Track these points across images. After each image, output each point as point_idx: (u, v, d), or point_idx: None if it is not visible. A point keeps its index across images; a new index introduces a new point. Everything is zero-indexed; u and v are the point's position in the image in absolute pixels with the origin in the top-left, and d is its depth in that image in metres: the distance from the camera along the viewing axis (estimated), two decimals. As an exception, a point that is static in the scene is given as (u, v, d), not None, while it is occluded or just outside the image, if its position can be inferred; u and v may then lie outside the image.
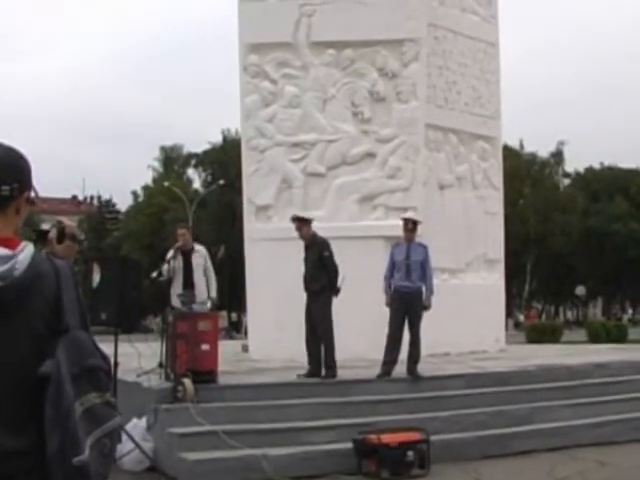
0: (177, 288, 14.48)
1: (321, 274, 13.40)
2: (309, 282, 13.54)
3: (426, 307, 13.93)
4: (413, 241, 14.15)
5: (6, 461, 2.58)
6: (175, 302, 14.17)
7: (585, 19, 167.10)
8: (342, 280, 13.42)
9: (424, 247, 14.17)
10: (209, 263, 15.03)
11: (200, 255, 14.91)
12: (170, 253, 14.79)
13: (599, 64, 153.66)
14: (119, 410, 2.88)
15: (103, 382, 2.77)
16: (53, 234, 4.27)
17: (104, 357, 2.83)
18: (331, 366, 13.20)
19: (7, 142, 2.85)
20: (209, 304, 14.65)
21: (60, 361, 2.63)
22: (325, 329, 13.32)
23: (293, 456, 10.72)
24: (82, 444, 2.58)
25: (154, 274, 14.53)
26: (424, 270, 13.94)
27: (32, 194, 2.92)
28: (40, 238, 4.11)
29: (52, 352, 2.64)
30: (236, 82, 19.84)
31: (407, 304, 13.80)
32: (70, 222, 4.39)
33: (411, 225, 14.12)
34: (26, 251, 2.69)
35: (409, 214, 14.98)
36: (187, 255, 14.77)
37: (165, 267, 14.57)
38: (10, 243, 2.70)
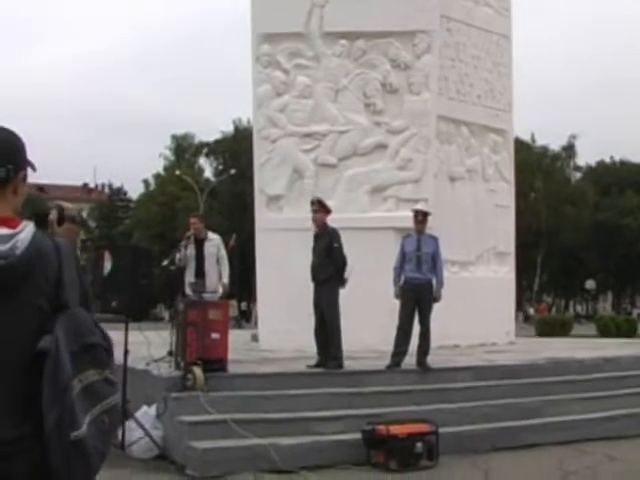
0: (189, 276, 14.50)
1: (328, 264, 13.39)
2: (316, 272, 13.54)
3: (436, 299, 13.92)
4: (424, 233, 14.13)
5: (8, 446, 2.59)
6: (188, 290, 14.20)
7: (599, 11, 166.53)
8: (350, 271, 13.41)
9: (435, 239, 14.15)
10: (223, 252, 14.98)
11: (213, 244, 14.86)
12: (183, 241, 14.80)
13: (613, 57, 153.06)
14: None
15: (102, 359, 2.77)
16: (53, 216, 4.28)
17: (104, 335, 2.84)
18: (336, 356, 13.17)
19: (16, 128, 2.86)
20: (220, 290, 14.66)
21: (58, 337, 2.64)
22: (331, 319, 13.31)
23: (302, 446, 10.74)
24: (80, 420, 2.59)
25: (165, 262, 14.53)
26: (435, 262, 13.93)
27: (29, 172, 2.92)
28: (40, 221, 4.12)
29: (51, 328, 2.66)
30: (248, 72, 19.85)
31: (417, 296, 13.79)
32: (70, 205, 4.40)
33: (421, 217, 14.11)
34: (27, 230, 2.70)
35: (419, 206, 14.96)
36: (200, 244, 14.76)
37: (177, 255, 14.57)
38: (11, 223, 2.71)
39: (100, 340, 2.80)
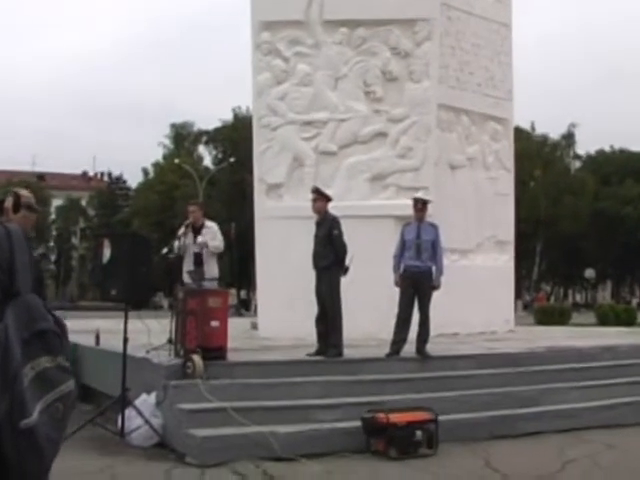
0: (188, 265, 14.48)
1: (328, 251, 13.39)
2: (317, 259, 13.54)
3: (435, 287, 13.92)
4: (424, 221, 14.12)
5: None
6: (186, 278, 14.18)
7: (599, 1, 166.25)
8: (351, 259, 13.41)
9: (435, 227, 14.14)
10: (219, 235, 14.93)
11: (210, 231, 14.84)
12: (181, 230, 14.77)
13: (612, 46, 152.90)
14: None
15: (55, 345, 2.74)
16: (9, 204, 4.24)
17: (57, 321, 2.80)
18: (336, 344, 13.17)
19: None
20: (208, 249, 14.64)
21: (8, 325, 2.60)
22: (332, 306, 13.31)
23: (301, 434, 10.73)
24: (30, 408, 2.56)
25: (164, 250, 14.52)
26: (434, 250, 13.93)
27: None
28: None
29: (1, 316, 2.62)
30: (248, 60, 19.80)
31: (417, 283, 13.79)
32: (27, 192, 4.36)
33: (421, 205, 14.10)
34: None
35: (419, 194, 14.95)
36: (198, 232, 14.74)
37: (176, 244, 14.55)
38: None
39: (52, 326, 2.76)
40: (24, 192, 4.31)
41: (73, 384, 2.81)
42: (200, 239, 14.68)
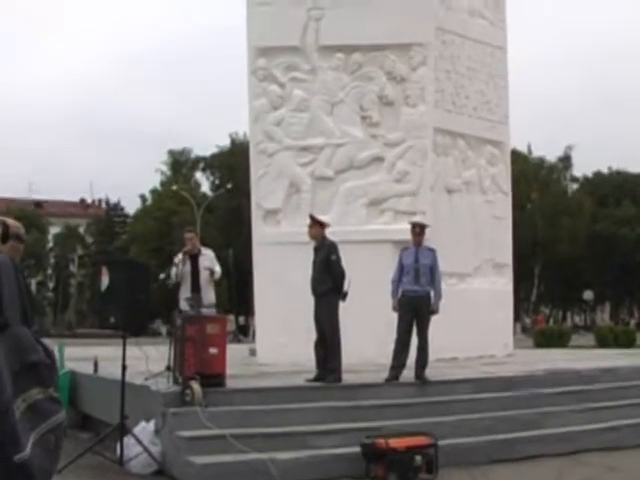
0: (185, 292, 14.48)
1: (326, 277, 13.39)
2: (315, 285, 13.55)
3: (434, 311, 13.92)
4: (422, 245, 14.15)
5: None
6: (183, 306, 14.17)
7: (595, 24, 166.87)
8: (348, 284, 13.40)
9: (433, 251, 14.17)
10: (217, 267, 15.02)
11: (207, 258, 14.90)
12: (178, 257, 14.79)
13: (608, 68, 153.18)
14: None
15: (45, 377, 2.73)
16: None
17: (47, 351, 2.80)
18: (335, 370, 13.16)
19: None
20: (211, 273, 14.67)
21: None
22: (331, 332, 13.30)
23: (300, 460, 10.71)
24: (23, 442, 2.54)
25: (162, 275, 14.53)
26: (433, 274, 13.94)
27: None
28: None
29: None
30: (245, 86, 19.86)
31: (415, 308, 13.80)
32: (15, 222, 4.34)
33: (419, 229, 14.14)
34: None
35: (417, 218, 14.98)
36: (195, 259, 14.77)
37: (174, 271, 14.57)
38: None
39: (43, 358, 2.75)
40: (12, 222, 4.29)
41: (64, 415, 2.80)
42: (207, 263, 14.74)
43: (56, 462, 2.75)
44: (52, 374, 2.79)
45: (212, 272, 14.74)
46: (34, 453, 2.57)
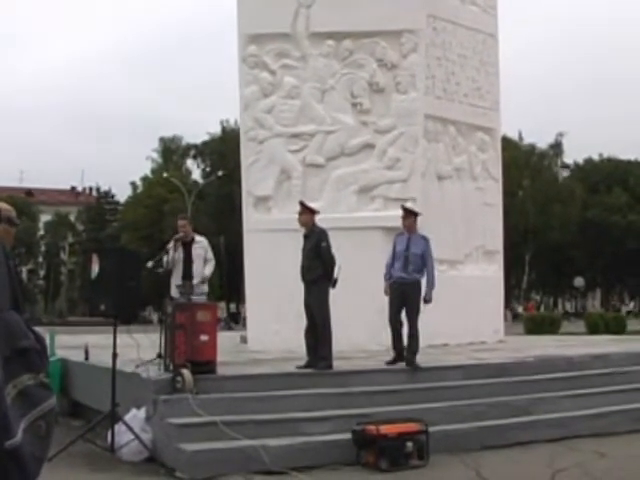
0: (177, 279, 14.45)
1: (316, 264, 13.37)
2: (305, 272, 13.54)
3: (426, 300, 13.94)
4: (414, 232, 14.16)
5: None
6: (174, 293, 14.15)
7: (585, 10, 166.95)
8: (338, 270, 13.39)
9: (426, 239, 14.16)
10: (210, 254, 14.98)
11: (201, 246, 14.86)
12: (171, 244, 14.75)
13: (599, 55, 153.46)
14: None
15: (36, 363, 2.71)
16: None
17: (37, 337, 2.78)
18: (326, 357, 13.14)
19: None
20: (199, 278, 14.60)
21: None
22: (321, 319, 13.29)
23: (292, 447, 10.71)
24: (14, 428, 2.53)
25: (149, 264, 14.43)
26: (424, 262, 13.96)
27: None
28: None
29: None
30: (235, 73, 19.82)
31: (402, 295, 13.84)
32: (6, 205, 4.31)
33: (404, 213, 14.20)
34: None
35: (408, 204, 14.99)
36: (187, 246, 14.74)
37: (165, 258, 14.54)
38: None
39: (33, 343, 2.73)
40: (4, 205, 4.27)
41: (55, 401, 2.79)
42: (200, 251, 14.72)
43: (47, 449, 2.74)
44: (43, 360, 2.77)
45: (206, 277, 14.77)
46: (25, 440, 2.55)
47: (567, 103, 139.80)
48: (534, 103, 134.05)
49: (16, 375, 2.61)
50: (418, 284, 13.89)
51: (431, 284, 14.00)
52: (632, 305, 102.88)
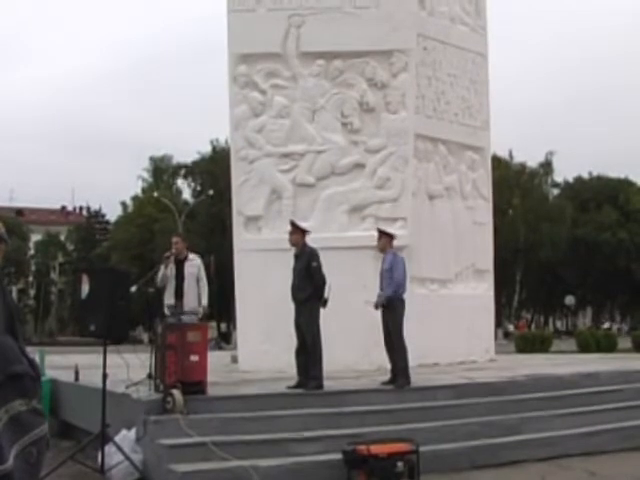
0: (169, 297, 14.43)
1: (307, 284, 13.40)
2: (295, 292, 13.57)
3: (376, 305, 14.15)
4: (386, 252, 14.46)
5: None
6: (167, 311, 14.13)
7: (572, 29, 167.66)
8: (328, 290, 13.40)
9: (394, 255, 14.47)
10: (203, 273, 14.94)
11: (194, 264, 14.83)
12: (163, 261, 14.71)
13: (588, 74, 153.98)
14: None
15: (29, 388, 2.68)
16: None
17: (31, 363, 2.75)
18: (316, 377, 13.15)
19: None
20: (201, 311, 14.55)
21: None
22: (312, 339, 13.31)
23: (282, 467, 10.69)
24: (5, 453, 2.50)
25: (133, 288, 14.03)
26: (391, 275, 14.19)
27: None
28: None
29: None
30: (226, 92, 19.82)
31: (382, 313, 14.26)
32: None
33: (380, 236, 14.51)
34: None
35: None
36: (180, 264, 14.72)
37: (159, 275, 14.51)
38: None
39: (26, 368, 2.70)
40: None
41: (47, 428, 2.77)
42: (193, 270, 14.68)
43: (37, 475, 2.72)
44: (36, 386, 2.75)
45: (205, 307, 14.74)
46: (15, 466, 2.53)
47: (557, 122, 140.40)
48: (524, 122, 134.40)
49: (9, 400, 2.59)
50: (390, 300, 14.02)
51: (387, 292, 14.14)
52: (623, 325, 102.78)
